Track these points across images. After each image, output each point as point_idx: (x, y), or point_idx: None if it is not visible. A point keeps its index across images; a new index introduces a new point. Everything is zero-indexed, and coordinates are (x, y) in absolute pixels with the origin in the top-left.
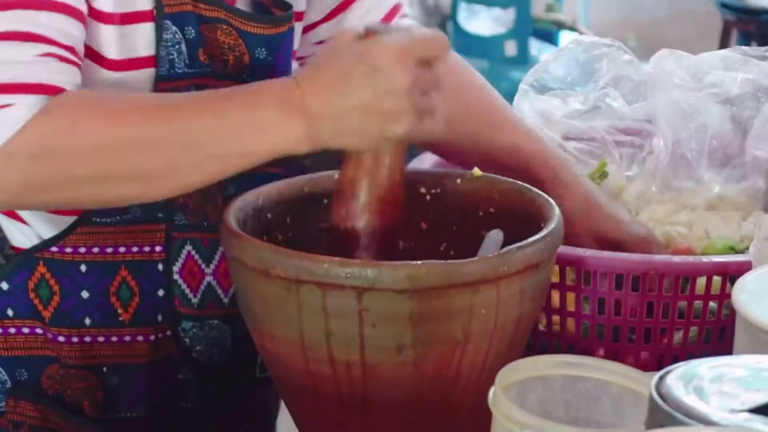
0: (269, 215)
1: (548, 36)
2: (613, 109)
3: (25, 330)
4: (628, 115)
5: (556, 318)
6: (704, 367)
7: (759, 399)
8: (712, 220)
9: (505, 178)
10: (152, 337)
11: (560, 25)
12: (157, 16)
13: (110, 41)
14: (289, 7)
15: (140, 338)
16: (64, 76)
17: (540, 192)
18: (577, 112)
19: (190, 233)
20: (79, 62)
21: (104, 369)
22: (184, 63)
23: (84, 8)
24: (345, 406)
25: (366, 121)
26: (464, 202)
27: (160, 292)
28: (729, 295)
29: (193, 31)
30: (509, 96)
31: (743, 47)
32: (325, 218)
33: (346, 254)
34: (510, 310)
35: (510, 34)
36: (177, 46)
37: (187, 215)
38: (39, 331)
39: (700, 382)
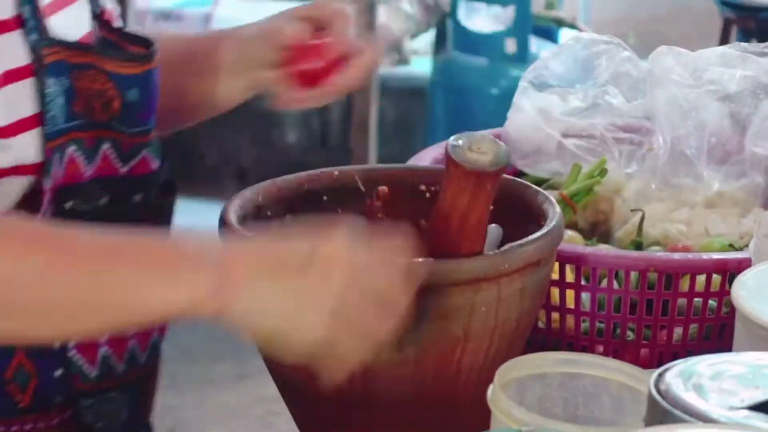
0: (269, 213)
1: (548, 33)
2: (612, 106)
3: None
4: (627, 112)
5: (555, 315)
6: (703, 364)
7: (758, 396)
8: (711, 217)
9: (506, 176)
10: (55, 421)
11: (560, 23)
12: (37, 70)
13: None
14: (151, 43)
15: (42, 425)
16: None
17: (540, 189)
18: (577, 109)
19: None
20: None
21: None
22: (64, 117)
23: None
24: (345, 404)
25: (274, 314)
26: None
27: (58, 372)
28: (728, 292)
29: (66, 81)
30: (509, 93)
31: (742, 44)
32: (325, 215)
33: None
34: (510, 308)
35: (510, 31)
36: (57, 99)
37: None
38: None
39: (700, 379)
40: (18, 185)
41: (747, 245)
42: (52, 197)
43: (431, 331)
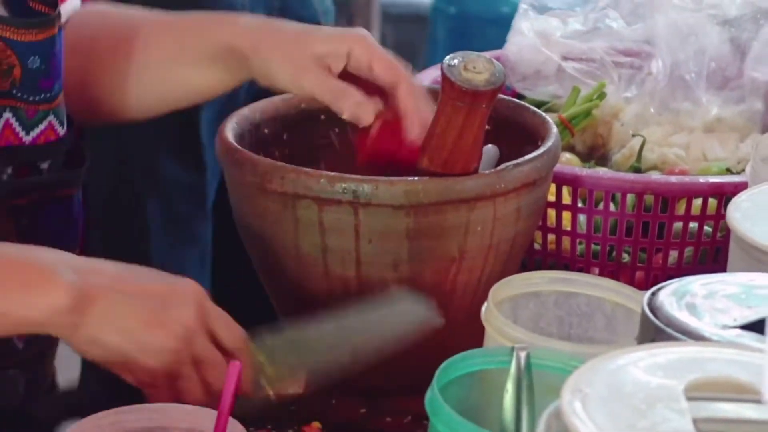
0: (266, 131)
1: None
2: (612, 30)
3: None
4: (627, 36)
5: (551, 237)
6: (697, 284)
7: (751, 316)
8: (709, 142)
9: (503, 96)
10: None
11: None
12: None
13: None
14: (56, 4)
15: None
16: None
17: (537, 110)
18: (577, 32)
19: None
20: None
21: None
22: None
23: None
24: None
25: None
26: None
27: None
28: (724, 216)
29: None
30: (511, 19)
31: None
32: (322, 134)
33: (345, 170)
34: (506, 228)
35: None
36: None
37: None
38: None
39: (693, 299)
40: None
41: (744, 170)
42: None
43: (427, 249)
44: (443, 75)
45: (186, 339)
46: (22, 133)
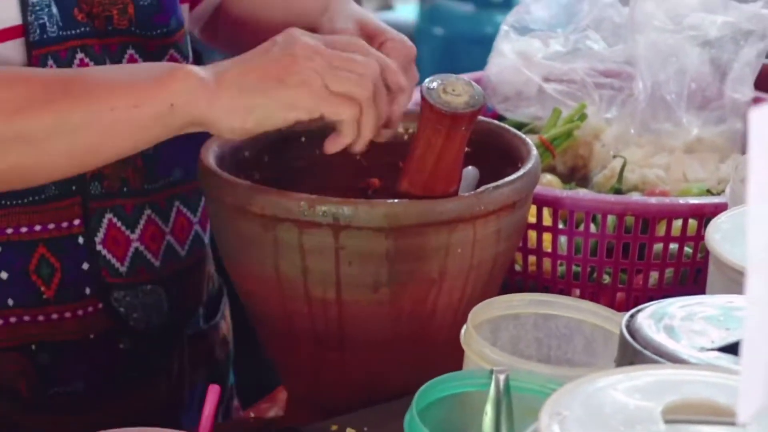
0: (246, 153)
1: None
2: (593, 51)
3: None
4: (608, 57)
5: (532, 258)
6: (675, 306)
7: (729, 338)
8: (689, 162)
9: (483, 118)
10: (80, 312)
11: None
12: None
13: None
14: None
15: (68, 314)
16: None
17: (517, 132)
18: (558, 53)
19: (109, 201)
20: None
21: (33, 347)
22: (57, 26)
23: None
24: (321, 343)
25: (263, 81)
26: None
27: (85, 266)
28: (704, 237)
29: None
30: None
31: None
32: (303, 156)
33: (325, 193)
34: (486, 250)
35: None
36: (47, 9)
37: (102, 184)
38: None
39: (671, 321)
40: None
41: (724, 191)
42: None
43: (407, 271)
44: (422, 98)
45: (317, 69)
46: None
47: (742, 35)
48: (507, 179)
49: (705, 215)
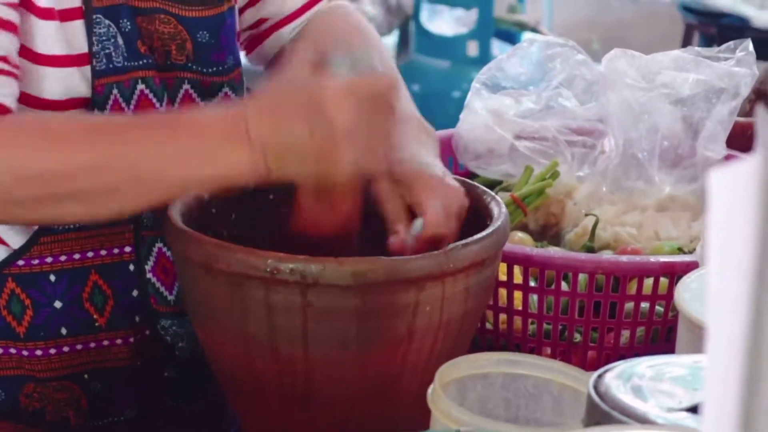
0: (214, 210)
1: (510, 37)
2: (565, 108)
3: None
4: (580, 114)
5: (503, 316)
6: (643, 365)
7: (697, 398)
8: (662, 221)
9: (453, 175)
10: (132, 339)
11: (523, 26)
12: (86, 11)
13: (48, 38)
14: None
15: (119, 341)
16: (1, 88)
17: (487, 190)
18: (530, 111)
19: (160, 231)
20: (14, 71)
21: (85, 376)
22: (123, 56)
23: (15, 17)
24: (288, 400)
25: (303, 156)
26: None
27: (135, 293)
28: None
29: (128, 23)
30: None
31: (696, 48)
32: (271, 214)
33: (292, 250)
34: (455, 308)
35: (472, 34)
36: (113, 40)
37: (155, 213)
38: (12, 350)
39: (639, 381)
40: None
41: (696, 249)
42: None
43: (375, 329)
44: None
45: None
46: (201, 103)
47: (714, 93)
48: (476, 237)
49: (676, 273)
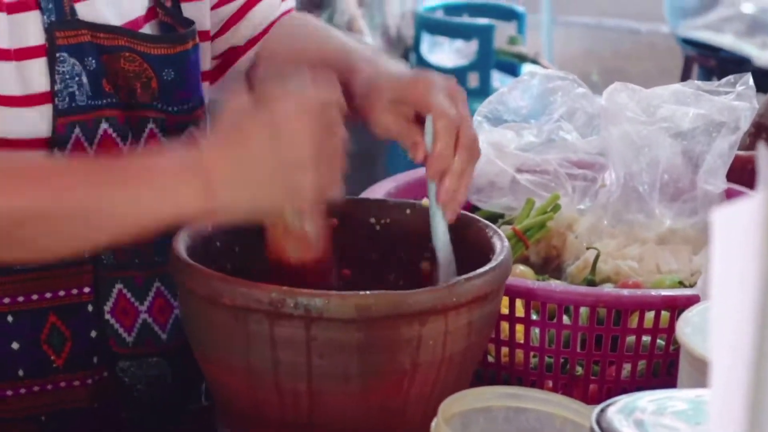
0: (218, 243)
1: (511, 69)
2: (566, 142)
3: None
4: (581, 148)
5: (505, 350)
6: (645, 400)
7: None
8: (662, 254)
9: None
10: (89, 381)
11: (523, 58)
12: (49, 50)
13: (5, 78)
14: (191, 23)
15: (77, 383)
16: None
17: (489, 223)
18: (531, 144)
19: (120, 272)
20: None
21: (43, 418)
22: (87, 95)
23: None
24: None
25: (267, 188)
26: (413, 232)
27: (93, 334)
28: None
29: (93, 61)
30: None
31: (696, 82)
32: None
33: (296, 284)
34: (458, 341)
35: (472, 66)
36: (77, 78)
37: (115, 254)
38: None
39: (641, 415)
40: None
41: (697, 283)
42: None
43: (378, 362)
44: None
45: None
46: (165, 142)
47: (715, 127)
48: (479, 271)
49: (678, 307)
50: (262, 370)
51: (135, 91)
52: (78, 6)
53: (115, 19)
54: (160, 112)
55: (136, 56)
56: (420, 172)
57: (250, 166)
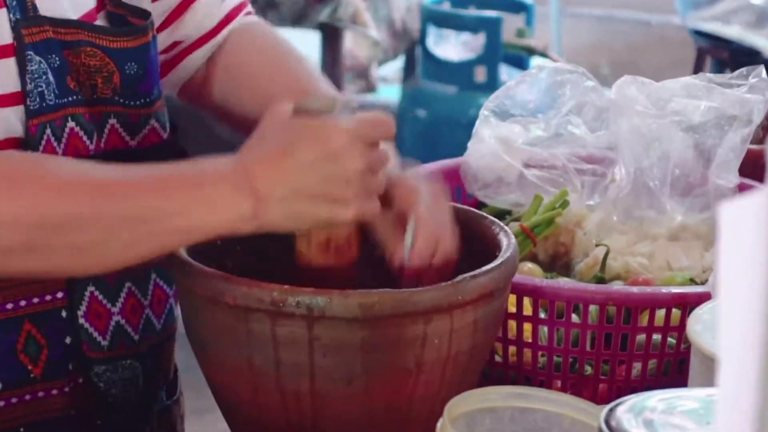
0: (219, 242)
1: (519, 62)
2: (575, 136)
3: None
4: (590, 142)
5: (513, 349)
6: (655, 399)
7: None
8: (673, 250)
9: (460, 205)
10: (66, 389)
11: (531, 51)
12: (17, 48)
13: None
14: (149, 15)
15: (54, 392)
16: None
17: (495, 220)
18: (539, 138)
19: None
20: None
21: (21, 430)
22: (54, 93)
23: None
24: None
25: (314, 206)
26: None
27: (68, 340)
28: None
29: (57, 58)
30: None
31: (708, 74)
32: (275, 245)
33: (299, 283)
34: (463, 340)
35: (480, 59)
36: (44, 77)
37: None
38: None
39: (651, 415)
40: None
41: (708, 280)
42: None
43: (382, 362)
44: None
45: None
46: (128, 138)
47: (726, 120)
48: (484, 268)
49: (688, 305)
50: (264, 370)
51: (96, 86)
52: (38, 1)
53: (72, 12)
54: (121, 106)
55: (97, 51)
56: (424, 168)
57: (298, 181)
